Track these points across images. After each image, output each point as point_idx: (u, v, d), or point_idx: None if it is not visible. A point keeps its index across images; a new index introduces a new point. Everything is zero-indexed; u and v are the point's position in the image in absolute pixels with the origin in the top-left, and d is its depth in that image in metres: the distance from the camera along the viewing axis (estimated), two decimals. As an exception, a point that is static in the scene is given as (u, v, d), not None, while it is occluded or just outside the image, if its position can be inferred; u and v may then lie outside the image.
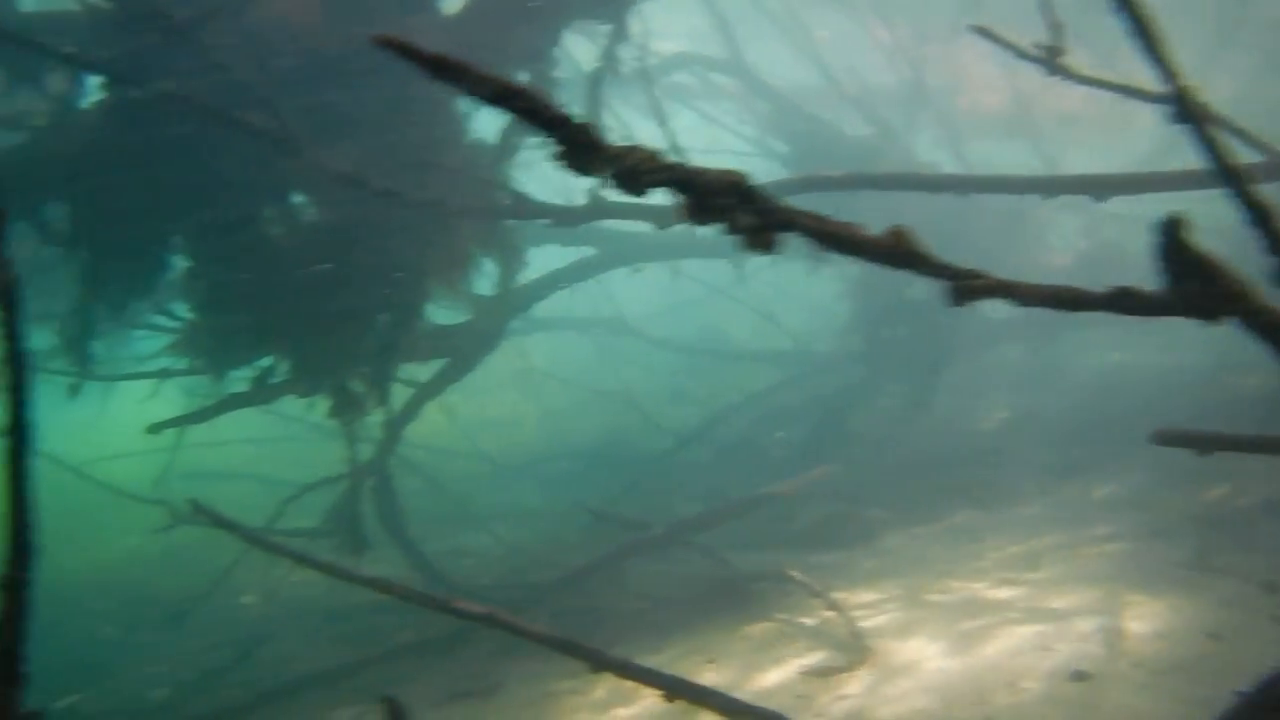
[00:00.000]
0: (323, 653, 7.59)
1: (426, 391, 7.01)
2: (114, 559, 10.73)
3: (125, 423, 11.04)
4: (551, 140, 1.21)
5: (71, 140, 5.67)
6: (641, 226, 7.84)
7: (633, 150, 1.20)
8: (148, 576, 10.29)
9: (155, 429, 5.85)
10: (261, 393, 6.01)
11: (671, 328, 12.49)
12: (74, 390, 5.93)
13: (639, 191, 1.21)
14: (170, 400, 12.53)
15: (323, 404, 6.52)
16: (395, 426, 6.82)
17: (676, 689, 2.89)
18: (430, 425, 10.29)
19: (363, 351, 5.97)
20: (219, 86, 5.09)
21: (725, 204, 1.23)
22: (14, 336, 1.09)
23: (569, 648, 3.15)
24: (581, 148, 1.20)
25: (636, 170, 1.19)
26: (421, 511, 9.32)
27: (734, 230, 1.25)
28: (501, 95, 1.18)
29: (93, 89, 5.99)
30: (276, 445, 11.70)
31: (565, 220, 4.87)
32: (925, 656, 5.64)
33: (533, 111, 1.19)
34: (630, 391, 11.40)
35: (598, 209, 4.78)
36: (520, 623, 3.11)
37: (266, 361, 6.13)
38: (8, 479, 1.14)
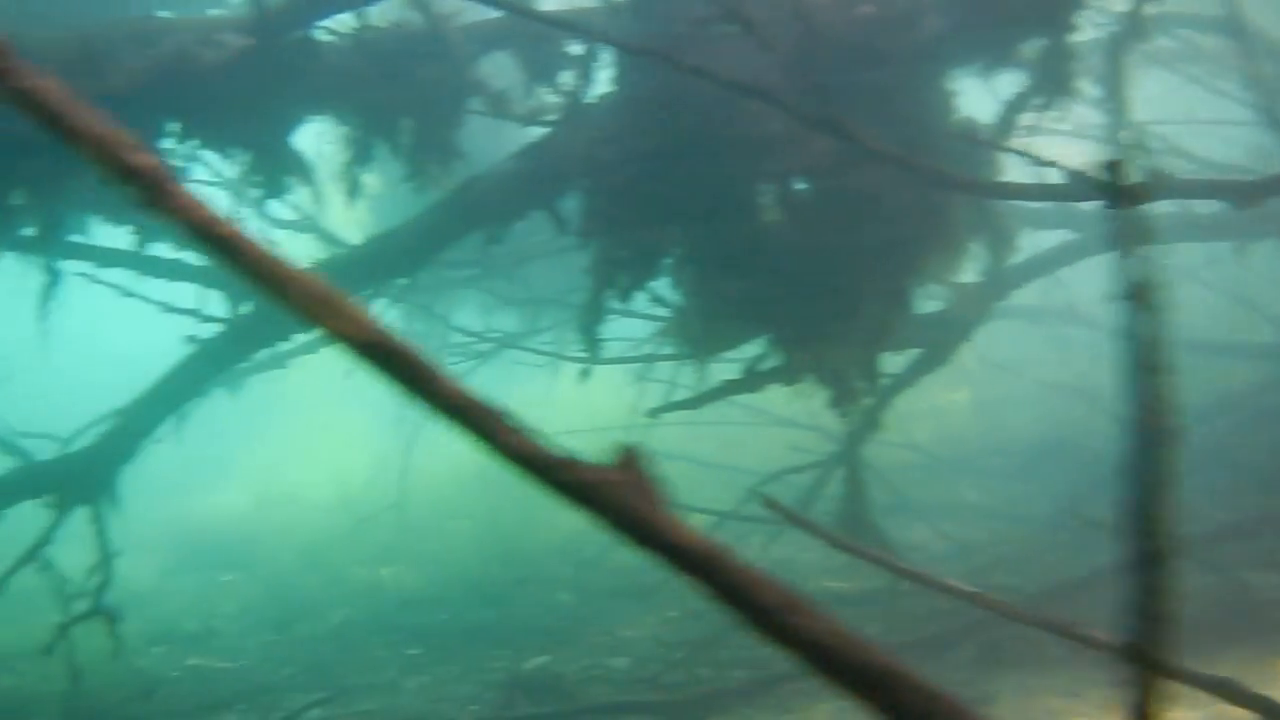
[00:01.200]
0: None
1: (901, 382, 6.72)
2: (568, 528, 11.37)
3: (566, 401, 11.71)
4: None
5: (582, 133, 5.88)
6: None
7: None
8: (599, 547, 10.80)
9: (655, 414, 5.97)
10: (752, 380, 5.98)
11: (1119, 314, 11.33)
12: (585, 374, 6.20)
13: None
14: (609, 381, 13.12)
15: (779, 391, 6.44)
16: (870, 417, 6.59)
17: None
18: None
19: (855, 339, 5.78)
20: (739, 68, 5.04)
21: None
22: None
23: (1227, 690, 2.71)
24: None
25: None
26: (856, 501, 9.11)
27: None
28: None
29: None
30: (706, 428, 11.90)
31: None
32: None
33: None
34: (1077, 383, 10.51)
35: (1157, 187, 4.22)
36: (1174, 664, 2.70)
37: (756, 348, 6.10)
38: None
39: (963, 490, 10.24)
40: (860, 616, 7.59)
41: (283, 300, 1.02)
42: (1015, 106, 5.73)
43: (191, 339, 5.70)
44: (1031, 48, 5.66)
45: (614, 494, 0.95)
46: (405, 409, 10.67)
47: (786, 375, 5.97)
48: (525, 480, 1.01)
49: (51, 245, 5.41)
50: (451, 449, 12.81)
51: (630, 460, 0.97)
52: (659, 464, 1.01)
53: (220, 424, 8.52)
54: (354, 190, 5.60)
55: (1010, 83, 5.76)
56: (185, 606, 10.56)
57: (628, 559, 10.61)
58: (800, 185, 5.78)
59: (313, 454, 15.09)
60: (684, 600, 9.25)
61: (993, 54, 5.68)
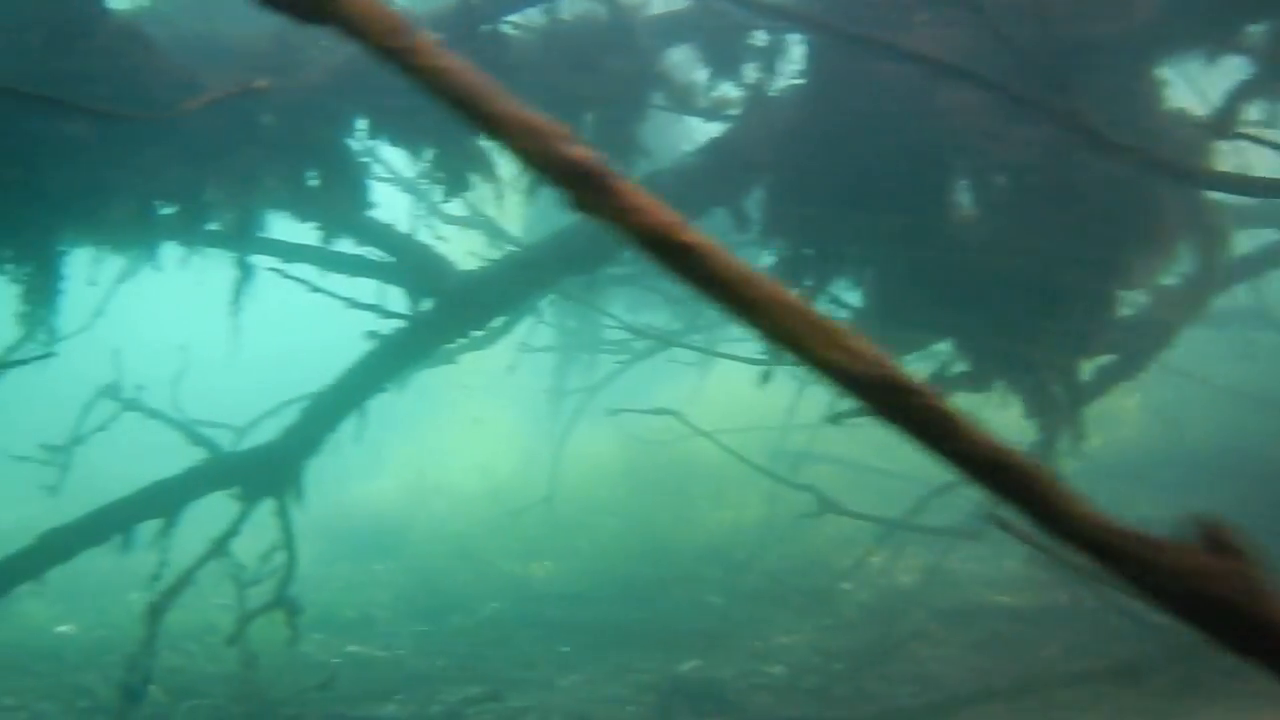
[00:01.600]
0: (955, 656, 7.21)
1: (1092, 390, 6.28)
2: (715, 529, 11.16)
3: (715, 401, 11.49)
4: None
5: (767, 127, 5.65)
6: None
7: None
8: (748, 550, 10.56)
9: (836, 419, 5.70)
10: (940, 386, 5.65)
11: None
12: (766, 377, 5.97)
13: None
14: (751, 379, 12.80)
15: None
16: (1063, 427, 6.18)
17: None
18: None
19: (1055, 345, 5.40)
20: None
21: None
22: None
23: None
24: None
25: None
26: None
27: None
28: None
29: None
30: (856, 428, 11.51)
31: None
32: None
33: None
34: (1261, 390, 9.80)
35: None
36: None
37: (941, 352, 5.78)
38: None
39: (1135, 502, 9.65)
40: (1036, 635, 7.17)
41: (758, 322, 0.81)
42: (1239, 96, 5.27)
43: (373, 335, 5.67)
44: (1259, 31, 5.20)
45: (1210, 586, 0.72)
46: (554, 405, 10.58)
47: (976, 382, 5.63)
48: (1087, 560, 0.78)
49: (242, 240, 5.43)
50: (597, 447, 12.75)
51: (1223, 540, 0.74)
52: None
53: (374, 412, 8.59)
54: (537, 186, 5.48)
55: (1234, 71, 5.31)
56: (342, 594, 10.69)
57: (778, 563, 10.39)
58: (1000, 179, 5.43)
59: (462, 446, 15.21)
60: (839, 608, 8.95)
61: (1216, 38, 5.23)
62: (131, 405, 6.37)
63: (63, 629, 9.98)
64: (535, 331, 9.66)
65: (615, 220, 0.85)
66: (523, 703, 7.64)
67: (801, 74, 5.58)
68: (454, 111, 0.90)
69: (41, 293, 5.30)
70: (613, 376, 10.00)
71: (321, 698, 7.76)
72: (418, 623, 9.91)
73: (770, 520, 10.12)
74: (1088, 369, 6.26)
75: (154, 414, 6.22)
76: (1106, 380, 6.38)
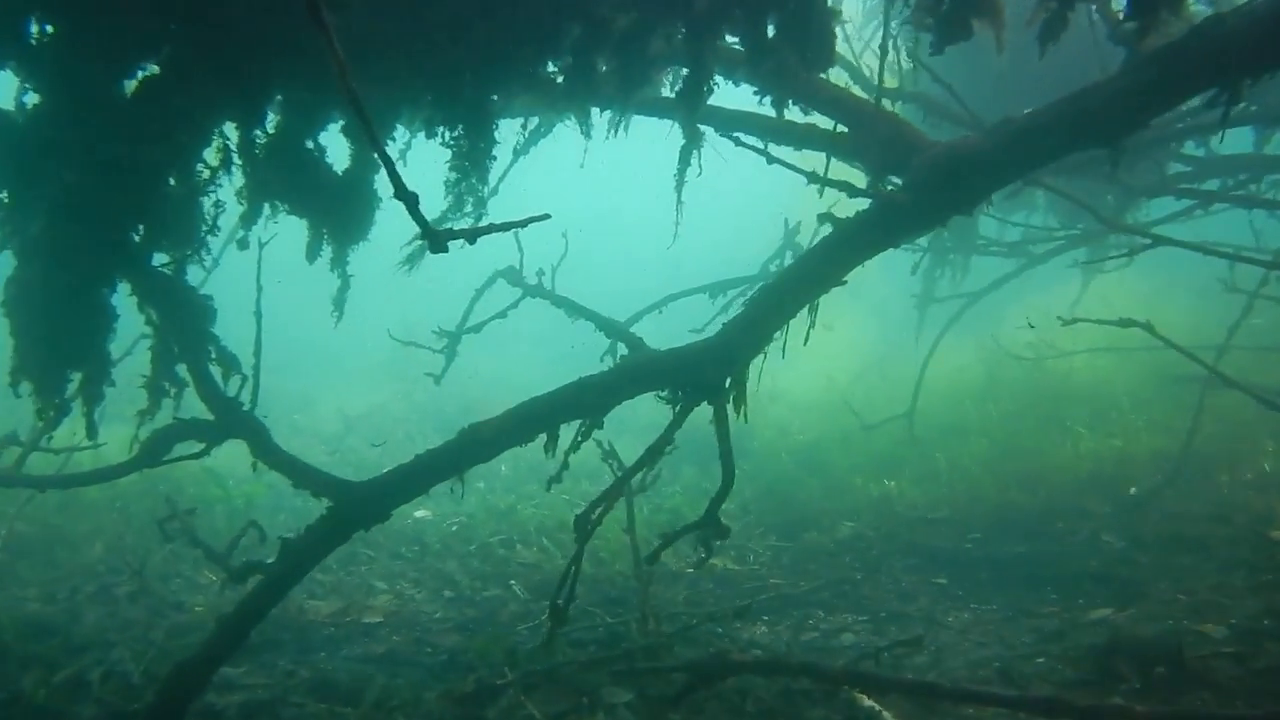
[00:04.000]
0: None
1: None
2: (1097, 460, 9.66)
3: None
4: None
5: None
6: None
7: None
8: (1146, 488, 9.04)
9: None
10: None
11: None
12: None
13: None
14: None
15: None
16: None
17: None
18: None
19: None
20: None
21: None
22: None
23: None
24: None
25: None
26: None
27: None
28: None
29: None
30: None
31: None
32: None
33: None
34: None
35: None
36: None
37: None
38: None
39: None
40: None
41: None
42: None
43: (825, 218, 4.61)
44: None
45: None
46: (918, 313, 9.24)
47: None
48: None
49: (689, 102, 4.48)
50: (956, 359, 11.40)
51: None
52: None
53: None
54: (1056, 31, 4.20)
55: None
56: (686, 499, 10.02)
57: (1182, 504, 8.84)
58: None
59: (804, 351, 14.14)
60: (1281, 563, 7.36)
61: None
62: (535, 292, 5.67)
63: (420, 514, 9.85)
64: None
65: None
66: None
67: None
68: None
69: (473, 157, 4.56)
70: (1000, 282, 8.61)
71: (689, 614, 7.07)
72: (770, 537, 9.09)
73: (1181, 454, 8.57)
74: None
75: (559, 301, 5.48)
76: None
